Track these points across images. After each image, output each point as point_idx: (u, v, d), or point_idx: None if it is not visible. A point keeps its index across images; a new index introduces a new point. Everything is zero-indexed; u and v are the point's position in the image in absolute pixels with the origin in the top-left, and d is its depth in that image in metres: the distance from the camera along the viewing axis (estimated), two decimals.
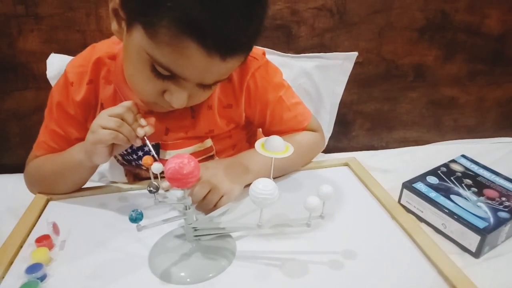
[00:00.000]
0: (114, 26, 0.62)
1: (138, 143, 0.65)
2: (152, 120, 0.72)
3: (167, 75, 0.59)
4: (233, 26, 0.53)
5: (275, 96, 0.79)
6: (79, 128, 0.76)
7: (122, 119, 0.64)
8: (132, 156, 0.81)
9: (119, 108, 0.65)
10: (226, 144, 0.83)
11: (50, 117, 0.77)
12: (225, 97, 0.77)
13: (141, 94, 0.65)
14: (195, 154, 0.80)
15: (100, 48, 0.75)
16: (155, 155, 0.57)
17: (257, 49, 0.78)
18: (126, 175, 0.99)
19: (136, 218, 0.52)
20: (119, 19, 0.61)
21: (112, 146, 0.67)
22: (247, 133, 0.88)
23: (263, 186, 0.49)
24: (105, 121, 0.64)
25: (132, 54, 0.60)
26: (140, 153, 0.80)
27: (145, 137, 0.65)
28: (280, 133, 0.70)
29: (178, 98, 0.62)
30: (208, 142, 0.80)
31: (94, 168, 0.76)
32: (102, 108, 0.74)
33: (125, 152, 0.81)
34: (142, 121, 0.65)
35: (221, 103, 0.77)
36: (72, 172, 0.74)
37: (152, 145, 0.77)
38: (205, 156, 0.82)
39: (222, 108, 0.77)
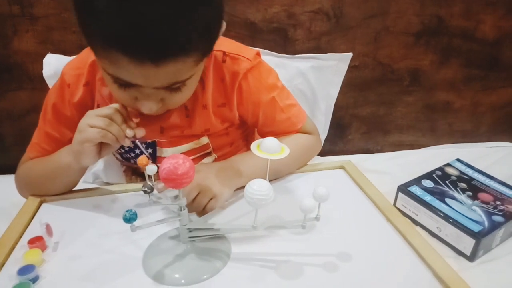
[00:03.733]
0: None
1: (127, 143, 0.65)
2: (135, 123, 0.71)
3: (126, 84, 0.60)
4: (156, 32, 0.52)
5: (267, 97, 0.79)
6: (74, 129, 0.75)
7: (111, 119, 0.64)
8: (130, 154, 0.81)
9: (107, 109, 0.65)
10: (223, 142, 0.84)
11: (44, 119, 0.78)
12: (218, 96, 0.77)
13: (120, 102, 0.66)
14: (192, 151, 0.80)
15: None
16: (147, 155, 0.57)
17: (250, 50, 0.78)
18: (124, 171, 0.98)
19: (130, 218, 0.51)
20: None
21: (100, 146, 0.66)
22: (244, 131, 0.88)
23: (258, 186, 0.49)
24: (93, 120, 0.64)
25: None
26: (137, 151, 0.80)
27: (136, 139, 0.65)
28: (274, 134, 0.70)
29: (146, 104, 0.63)
30: (204, 140, 0.80)
31: (82, 171, 0.76)
32: None
33: (123, 151, 0.81)
34: (131, 123, 0.66)
35: (215, 102, 0.77)
36: (60, 175, 0.74)
37: (148, 143, 0.77)
38: (203, 153, 0.82)
39: (216, 107, 0.77)
